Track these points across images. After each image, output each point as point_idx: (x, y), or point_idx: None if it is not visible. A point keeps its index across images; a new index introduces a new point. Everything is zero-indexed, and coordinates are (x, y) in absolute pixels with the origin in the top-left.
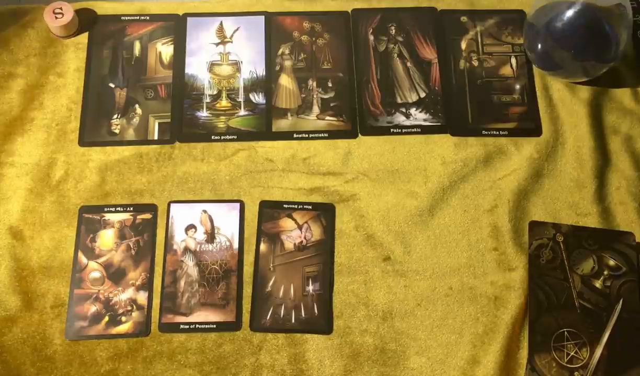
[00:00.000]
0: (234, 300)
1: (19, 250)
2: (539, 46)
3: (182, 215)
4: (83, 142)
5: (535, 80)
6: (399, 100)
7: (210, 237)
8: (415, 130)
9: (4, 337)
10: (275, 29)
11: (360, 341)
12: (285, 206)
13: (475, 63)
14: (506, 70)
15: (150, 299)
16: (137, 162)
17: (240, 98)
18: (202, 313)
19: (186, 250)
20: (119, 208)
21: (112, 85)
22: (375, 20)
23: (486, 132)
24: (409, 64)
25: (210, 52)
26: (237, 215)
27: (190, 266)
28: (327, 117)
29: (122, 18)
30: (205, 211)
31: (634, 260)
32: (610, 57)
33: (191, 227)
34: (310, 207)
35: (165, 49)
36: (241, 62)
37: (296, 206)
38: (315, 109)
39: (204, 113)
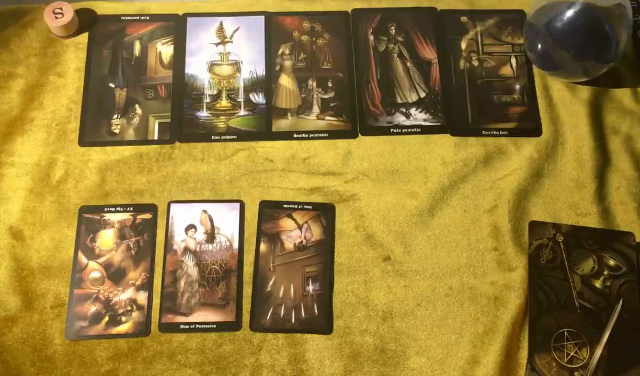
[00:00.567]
0: (234, 300)
1: (19, 250)
2: (539, 46)
3: (182, 215)
4: (83, 142)
5: (535, 80)
6: (399, 100)
7: (210, 237)
8: (415, 130)
9: (4, 337)
10: (275, 29)
11: (360, 341)
12: (285, 206)
13: (475, 63)
14: (506, 70)
15: (150, 299)
16: (137, 162)
17: (240, 98)
18: (202, 313)
19: (186, 250)
20: (119, 208)
21: (112, 85)
22: (375, 20)
23: (486, 132)
24: (409, 64)
25: (210, 52)
26: (237, 215)
27: (190, 266)
28: (327, 117)
29: (122, 18)
30: (205, 211)
31: (634, 260)
32: (610, 57)
33: (191, 227)
34: (310, 207)
35: (165, 49)
36: (241, 62)
37: (296, 206)
38: (315, 109)
39: (204, 113)
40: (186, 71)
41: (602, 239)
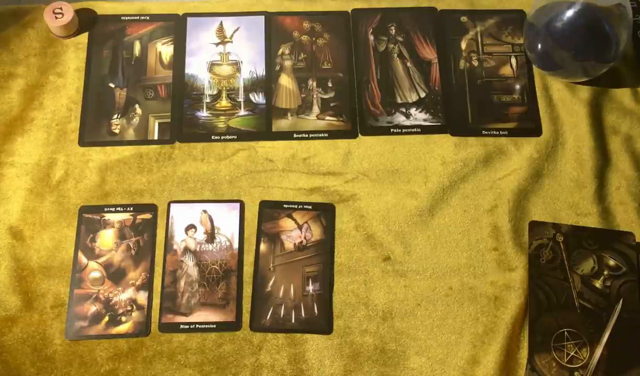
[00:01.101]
0: (234, 300)
1: (19, 250)
2: (539, 46)
3: (182, 215)
4: (83, 142)
5: (535, 80)
6: (399, 100)
7: (210, 237)
8: (415, 130)
9: (4, 337)
10: (275, 29)
11: (360, 341)
12: (285, 206)
13: (475, 63)
14: (506, 70)
15: (150, 299)
16: (137, 162)
17: (240, 98)
18: (202, 313)
19: (186, 250)
20: (119, 208)
21: (112, 85)
22: (375, 20)
23: (486, 132)
24: (409, 64)
25: (210, 52)
26: (237, 215)
27: (190, 266)
28: (327, 117)
29: (122, 18)
30: (205, 211)
31: (633, 260)
32: (610, 57)
33: (191, 227)
34: (310, 207)
35: (165, 49)
36: (241, 62)
37: (296, 206)
38: (315, 109)
39: (204, 113)
40: (186, 71)
41: (602, 239)
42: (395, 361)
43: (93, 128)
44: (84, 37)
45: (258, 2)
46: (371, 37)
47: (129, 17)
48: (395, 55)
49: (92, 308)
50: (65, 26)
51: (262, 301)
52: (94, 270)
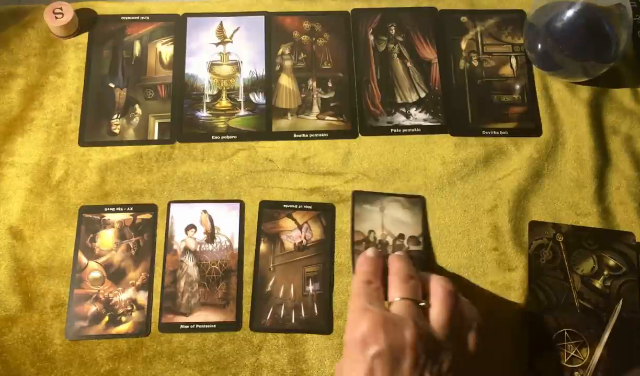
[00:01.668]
0: (234, 300)
1: (19, 250)
2: (539, 46)
3: (182, 215)
4: (83, 142)
5: (535, 80)
6: (399, 100)
7: (210, 237)
8: (415, 130)
9: (4, 337)
10: (275, 29)
11: None
12: (285, 206)
13: (475, 63)
14: (506, 70)
15: (150, 299)
16: (137, 162)
17: (240, 98)
18: (202, 313)
19: (186, 250)
20: (119, 208)
21: (112, 85)
22: (375, 20)
23: (486, 132)
24: (409, 64)
25: (210, 52)
26: (237, 215)
27: (190, 266)
28: (327, 117)
29: (122, 18)
30: (205, 211)
31: (634, 260)
32: (610, 57)
33: (191, 227)
34: (310, 207)
35: (165, 49)
36: (241, 62)
37: (296, 206)
38: (315, 109)
39: (204, 113)
40: (186, 71)
41: (602, 239)
42: None
43: (93, 128)
44: (84, 37)
45: (258, 2)
46: (371, 37)
47: (129, 17)
48: (395, 55)
49: (92, 308)
50: (65, 26)
51: (262, 301)
52: (94, 270)
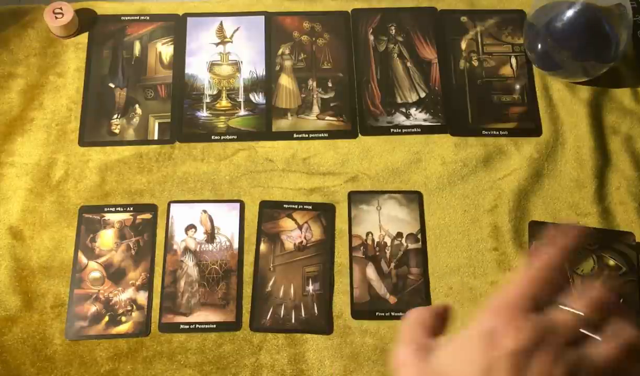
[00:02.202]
0: (234, 300)
1: (19, 250)
2: (539, 46)
3: (182, 215)
4: (83, 142)
5: (535, 80)
6: (399, 100)
7: (210, 237)
8: (415, 130)
9: (4, 337)
10: (275, 29)
11: (360, 341)
12: (286, 206)
13: (475, 63)
14: (506, 70)
15: (150, 299)
16: (137, 162)
17: (240, 98)
18: (202, 313)
19: (186, 250)
20: (119, 208)
21: (112, 85)
22: (375, 20)
23: (486, 132)
24: (409, 64)
25: (210, 52)
26: (237, 215)
27: (190, 266)
28: (327, 117)
29: (122, 18)
30: (205, 211)
31: (634, 260)
32: (610, 57)
33: (191, 227)
34: (310, 207)
35: (165, 49)
36: (241, 62)
37: (296, 206)
38: (315, 109)
39: (204, 113)
40: (186, 71)
41: (602, 239)
42: None
43: (93, 128)
44: (84, 37)
45: (258, 2)
46: (371, 37)
47: (129, 17)
48: (395, 55)
49: (92, 308)
50: (65, 26)
51: (262, 301)
52: (94, 270)
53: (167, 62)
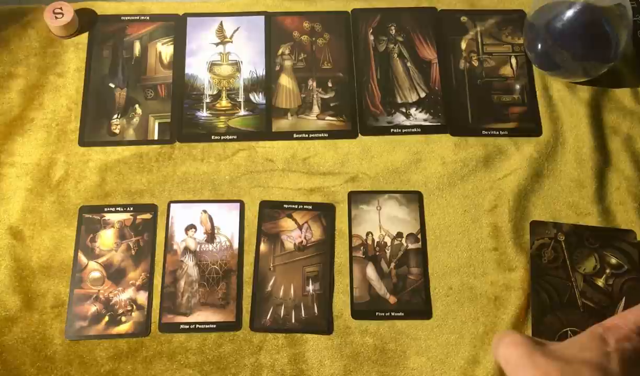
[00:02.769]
0: (234, 300)
1: (19, 250)
2: (539, 46)
3: (182, 215)
4: (83, 142)
5: (535, 80)
6: (399, 100)
7: (210, 237)
8: (415, 130)
9: (4, 337)
10: (275, 29)
11: (360, 341)
12: (286, 206)
13: (475, 63)
14: (506, 70)
15: (150, 299)
16: (137, 162)
17: (240, 98)
18: (202, 313)
19: (186, 250)
20: (119, 208)
21: (112, 85)
22: (375, 20)
23: (486, 132)
24: (409, 64)
25: (210, 52)
26: (237, 215)
27: (190, 266)
28: (327, 117)
29: (122, 18)
30: (205, 211)
31: (635, 257)
32: (610, 57)
33: (191, 227)
34: (310, 207)
35: (165, 49)
36: (241, 62)
37: (296, 206)
38: (315, 109)
39: (204, 113)
40: (186, 71)
41: (603, 237)
42: (395, 361)
43: (93, 129)
44: (84, 37)
45: (258, 2)
46: (371, 37)
47: (129, 17)
48: (395, 55)
49: (92, 308)
50: (65, 26)
51: (262, 301)
52: (94, 270)
53: (167, 62)
